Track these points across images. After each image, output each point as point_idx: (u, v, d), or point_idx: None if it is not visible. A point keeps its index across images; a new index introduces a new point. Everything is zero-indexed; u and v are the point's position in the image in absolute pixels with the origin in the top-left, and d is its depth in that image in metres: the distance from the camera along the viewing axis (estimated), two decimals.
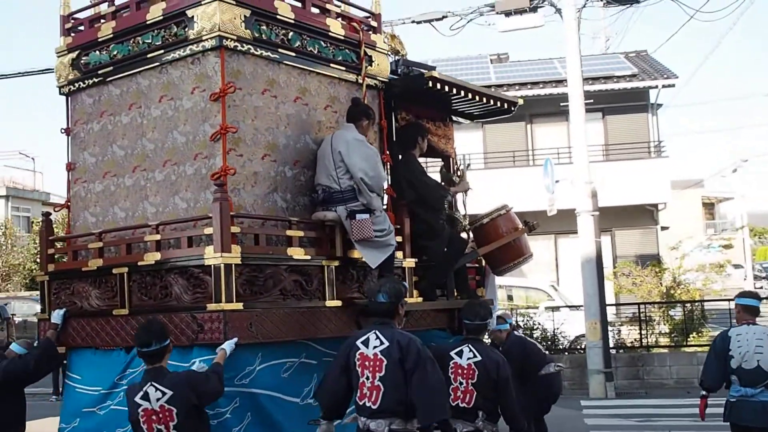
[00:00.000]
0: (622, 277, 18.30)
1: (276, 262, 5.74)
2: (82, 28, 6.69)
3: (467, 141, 18.01)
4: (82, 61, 6.56)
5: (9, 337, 20.28)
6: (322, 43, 6.50)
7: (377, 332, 4.93)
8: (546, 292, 17.24)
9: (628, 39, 59.36)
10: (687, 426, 10.36)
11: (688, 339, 15.32)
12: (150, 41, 6.10)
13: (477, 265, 7.59)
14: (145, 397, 4.87)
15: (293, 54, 6.25)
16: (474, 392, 5.50)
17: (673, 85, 21.67)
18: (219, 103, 5.70)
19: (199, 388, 4.94)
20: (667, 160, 22.05)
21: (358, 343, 4.96)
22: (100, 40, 6.40)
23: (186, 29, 5.86)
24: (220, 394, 5.08)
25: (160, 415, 4.85)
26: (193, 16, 5.80)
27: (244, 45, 5.86)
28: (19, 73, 17.36)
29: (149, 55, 6.10)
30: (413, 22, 14.56)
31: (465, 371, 5.53)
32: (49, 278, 6.50)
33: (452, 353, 5.63)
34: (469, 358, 5.56)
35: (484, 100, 7.57)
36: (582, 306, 13.89)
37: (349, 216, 6.05)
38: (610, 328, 14.39)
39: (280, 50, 6.14)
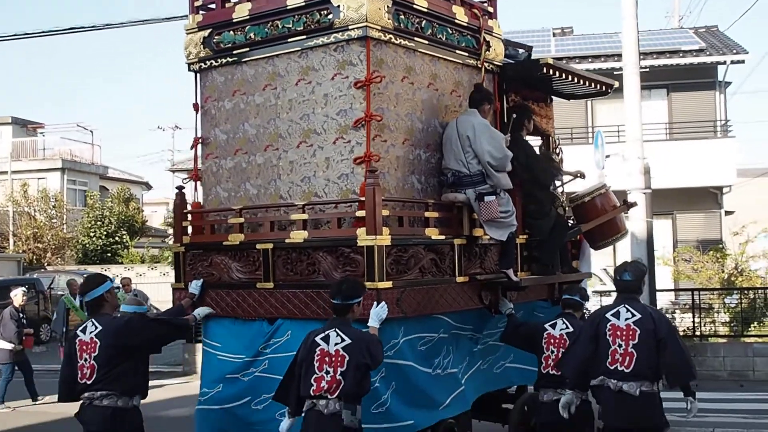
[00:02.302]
0: (681, 263, 17.37)
1: (417, 242, 6.10)
2: (213, 6, 6.90)
3: None
4: (214, 40, 6.78)
5: (43, 311, 20.37)
6: (449, 30, 6.75)
7: (627, 306, 5.57)
8: (598, 277, 16.57)
9: (704, 19, 57.13)
10: (734, 423, 9.71)
11: (749, 329, 14.43)
12: (290, 26, 6.31)
13: (574, 240, 7.97)
14: (326, 339, 5.29)
15: (426, 42, 6.51)
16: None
17: (743, 62, 20.52)
18: (362, 89, 5.97)
19: (372, 349, 5.28)
20: (733, 140, 20.73)
21: (608, 315, 5.60)
22: (234, 20, 6.61)
23: (330, 17, 6.08)
24: (380, 364, 5.42)
25: (333, 359, 5.22)
26: (339, 5, 6.01)
27: (387, 34, 6.10)
28: (135, 21, 17.33)
29: (289, 40, 6.34)
30: None
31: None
32: (184, 250, 6.83)
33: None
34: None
35: (586, 83, 7.86)
36: None
37: (477, 198, 6.42)
38: None
39: (415, 38, 6.40)
